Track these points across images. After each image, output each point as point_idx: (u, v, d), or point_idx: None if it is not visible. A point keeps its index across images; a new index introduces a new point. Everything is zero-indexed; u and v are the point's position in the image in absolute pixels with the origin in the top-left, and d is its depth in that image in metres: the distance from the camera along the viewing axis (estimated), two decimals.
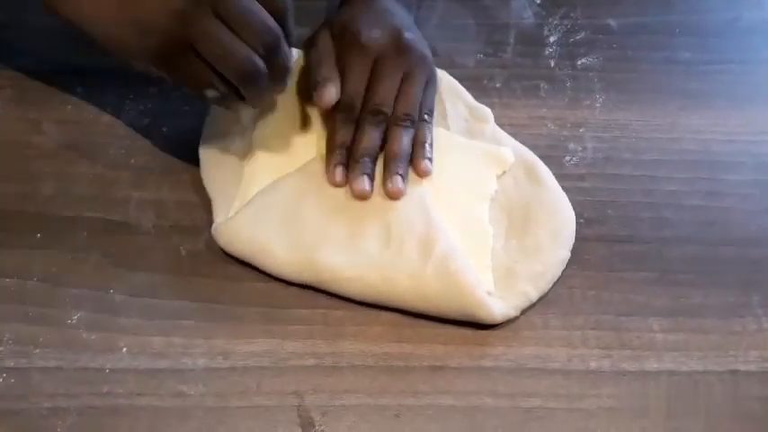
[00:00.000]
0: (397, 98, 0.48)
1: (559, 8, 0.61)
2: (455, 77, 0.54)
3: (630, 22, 0.61)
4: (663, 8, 0.62)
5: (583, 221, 0.48)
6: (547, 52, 0.58)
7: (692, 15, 0.62)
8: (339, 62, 0.48)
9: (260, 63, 0.42)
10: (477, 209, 0.47)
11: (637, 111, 0.54)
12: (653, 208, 0.49)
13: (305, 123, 0.50)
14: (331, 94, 0.46)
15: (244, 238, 0.45)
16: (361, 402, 0.40)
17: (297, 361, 0.42)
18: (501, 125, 0.52)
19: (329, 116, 0.48)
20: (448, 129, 0.51)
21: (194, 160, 0.49)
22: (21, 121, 0.52)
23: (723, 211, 0.49)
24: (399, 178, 0.46)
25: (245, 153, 0.49)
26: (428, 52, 0.50)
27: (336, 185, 0.46)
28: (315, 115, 0.50)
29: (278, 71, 0.44)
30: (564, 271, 0.45)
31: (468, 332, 0.43)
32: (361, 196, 0.46)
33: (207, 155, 0.49)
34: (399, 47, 0.48)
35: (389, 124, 0.48)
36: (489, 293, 0.43)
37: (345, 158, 0.47)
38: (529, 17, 0.61)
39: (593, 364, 0.42)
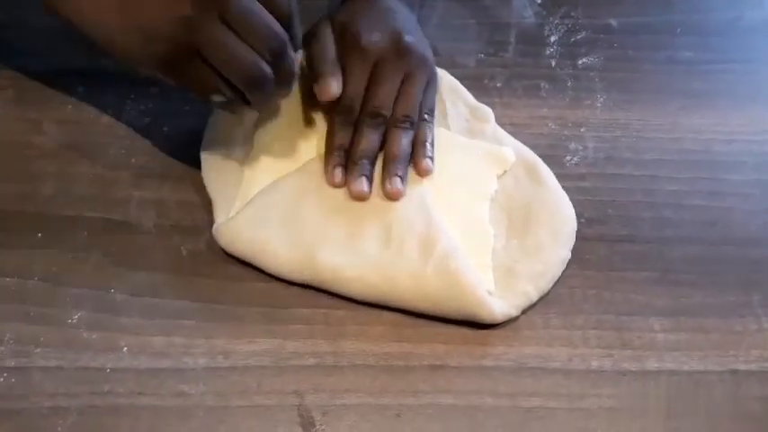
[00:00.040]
0: (396, 100, 0.48)
1: (560, 8, 0.61)
2: (456, 77, 0.54)
3: (631, 22, 0.61)
4: (664, 8, 0.62)
5: (583, 221, 0.48)
6: (548, 52, 0.58)
7: (694, 15, 0.62)
8: (339, 62, 0.48)
9: (266, 68, 0.42)
10: (478, 208, 0.47)
11: (638, 110, 0.54)
12: (654, 208, 0.49)
13: (305, 124, 0.50)
14: (333, 88, 0.46)
15: (244, 238, 0.45)
16: (361, 402, 0.40)
17: (298, 360, 0.42)
18: (502, 125, 0.52)
19: (329, 118, 0.48)
20: (448, 128, 0.51)
21: (195, 160, 0.49)
22: (21, 120, 0.52)
23: (724, 211, 0.49)
24: (398, 179, 0.46)
25: (246, 154, 0.49)
26: (429, 54, 0.50)
27: (335, 186, 0.46)
28: (315, 116, 0.50)
29: (284, 76, 0.44)
30: (565, 270, 0.45)
31: (469, 332, 0.43)
32: (359, 198, 0.46)
33: (208, 155, 0.49)
34: (399, 50, 0.48)
35: (389, 126, 0.48)
36: (490, 293, 0.43)
37: (344, 160, 0.47)
38: (530, 17, 0.61)
39: (593, 364, 0.42)
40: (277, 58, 0.43)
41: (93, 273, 0.45)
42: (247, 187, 0.47)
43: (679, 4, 0.63)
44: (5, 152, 0.50)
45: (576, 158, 0.51)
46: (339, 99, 0.48)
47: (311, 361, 0.42)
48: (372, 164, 0.47)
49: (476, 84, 0.54)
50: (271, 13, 0.42)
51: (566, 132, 0.53)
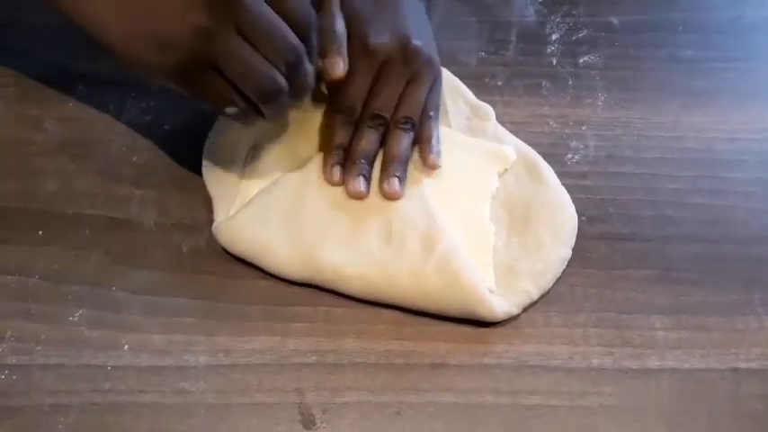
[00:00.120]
0: (399, 100, 0.48)
1: (561, 6, 0.61)
2: (457, 75, 0.54)
3: (633, 20, 0.60)
4: (665, 6, 0.62)
5: (584, 219, 0.48)
6: (549, 50, 0.58)
7: (695, 13, 0.61)
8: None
9: (281, 81, 0.42)
10: (479, 207, 0.47)
11: (639, 109, 0.54)
12: (655, 206, 0.49)
13: (306, 124, 0.50)
14: (339, 68, 0.45)
15: (245, 237, 0.45)
16: (362, 400, 0.40)
17: (298, 358, 0.42)
18: (503, 123, 0.52)
19: (330, 117, 0.48)
20: (449, 127, 0.51)
21: (196, 158, 0.49)
22: (22, 118, 0.52)
23: (725, 210, 0.49)
24: (396, 180, 0.46)
25: (247, 153, 0.49)
26: (435, 55, 0.50)
27: (333, 185, 0.46)
28: (316, 116, 0.50)
29: (299, 89, 0.44)
30: (565, 269, 0.45)
31: (470, 330, 0.43)
32: (357, 197, 0.46)
33: (209, 154, 0.49)
34: (407, 53, 0.48)
35: (389, 127, 0.48)
36: (491, 291, 0.43)
37: (343, 159, 0.47)
38: (531, 15, 0.60)
39: (594, 362, 0.42)
40: (292, 71, 0.42)
41: (94, 270, 0.45)
42: (247, 186, 0.47)
43: (680, 3, 0.62)
44: (7, 150, 0.50)
45: (577, 157, 0.51)
46: (341, 98, 0.48)
47: (312, 359, 0.42)
48: (371, 164, 0.47)
49: (477, 82, 0.54)
50: (288, 24, 0.41)
51: (567, 131, 0.53)
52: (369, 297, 0.44)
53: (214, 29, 0.39)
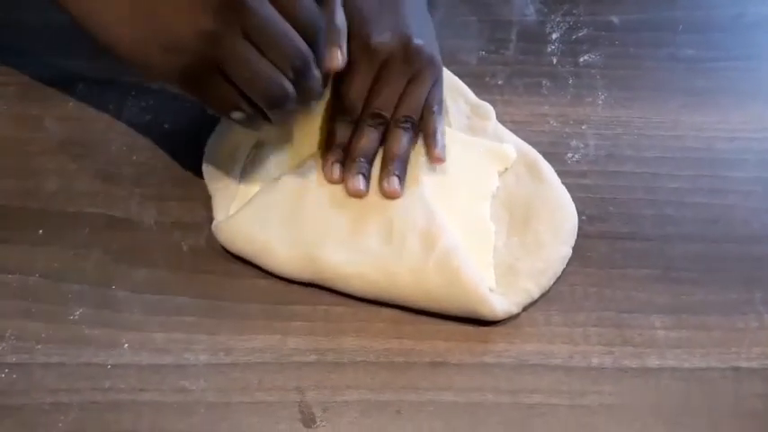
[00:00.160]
0: (400, 99, 0.48)
1: (561, 5, 0.61)
2: (457, 74, 0.54)
3: (633, 19, 0.60)
4: (666, 5, 0.62)
5: (585, 218, 0.48)
6: (549, 49, 0.58)
7: (696, 12, 0.61)
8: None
9: (288, 87, 0.41)
10: (479, 206, 0.47)
11: (639, 108, 0.54)
12: (655, 205, 0.49)
13: (307, 123, 0.50)
14: (338, 60, 0.44)
15: (244, 236, 0.45)
16: (362, 398, 0.40)
17: (298, 357, 0.42)
18: (503, 122, 0.52)
19: (330, 116, 0.48)
20: (450, 126, 0.51)
21: (196, 156, 0.49)
22: (23, 117, 0.52)
23: (726, 209, 0.49)
24: (396, 179, 0.46)
25: (248, 152, 0.49)
26: (437, 55, 0.50)
27: (332, 182, 0.46)
28: (317, 115, 0.50)
29: (306, 94, 0.43)
30: (566, 268, 0.45)
31: (470, 329, 0.43)
32: (356, 195, 0.46)
33: (210, 153, 0.49)
34: (408, 52, 0.47)
35: (390, 126, 0.48)
36: (491, 290, 0.43)
37: (342, 157, 0.47)
38: (531, 14, 0.60)
39: (594, 361, 0.42)
40: (300, 76, 0.41)
41: (94, 269, 0.45)
42: (247, 185, 0.47)
43: (681, 1, 0.62)
44: (7, 149, 0.50)
45: (577, 156, 0.51)
46: (341, 97, 0.48)
47: (312, 357, 0.42)
48: (370, 162, 0.47)
49: (477, 81, 0.54)
50: (296, 29, 0.41)
51: (567, 130, 0.53)
52: (369, 296, 0.44)
53: (221, 33, 0.39)
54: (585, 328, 0.43)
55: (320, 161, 0.48)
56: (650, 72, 0.57)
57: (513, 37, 0.59)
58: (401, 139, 0.47)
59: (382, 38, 0.47)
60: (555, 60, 0.57)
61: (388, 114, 0.47)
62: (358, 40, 0.47)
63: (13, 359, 0.41)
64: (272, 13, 0.40)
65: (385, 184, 0.46)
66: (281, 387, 0.40)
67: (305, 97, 0.43)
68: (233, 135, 0.49)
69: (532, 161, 0.49)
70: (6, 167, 0.49)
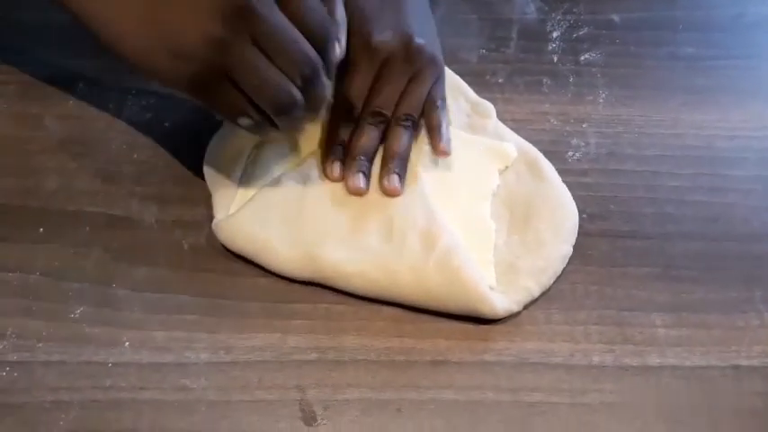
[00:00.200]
0: (401, 98, 0.48)
1: (562, 3, 0.61)
2: (458, 73, 0.54)
3: (634, 18, 0.60)
4: (666, 3, 0.62)
5: (585, 217, 0.48)
6: (550, 48, 0.58)
7: (696, 11, 0.61)
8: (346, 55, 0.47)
9: (297, 94, 0.41)
10: (480, 204, 0.47)
11: (639, 106, 0.54)
12: (656, 203, 0.49)
13: (308, 122, 0.50)
14: (335, 51, 0.44)
15: (245, 235, 0.45)
16: (363, 397, 0.40)
17: (299, 355, 0.42)
18: (503, 120, 0.52)
19: (331, 114, 0.48)
20: (450, 124, 0.51)
21: (197, 155, 0.49)
22: (23, 116, 0.52)
23: (726, 207, 0.49)
24: (396, 177, 0.46)
25: (248, 150, 0.49)
26: (438, 53, 0.50)
27: (333, 181, 0.46)
28: (319, 114, 0.50)
29: (314, 102, 0.43)
30: (566, 266, 0.45)
31: (470, 327, 0.43)
32: (356, 193, 0.46)
33: (212, 151, 0.49)
34: (409, 51, 0.47)
35: (390, 124, 0.48)
36: (491, 288, 0.43)
37: (342, 155, 0.47)
38: (532, 12, 0.60)
39: (595, 359, 0.42)
40: (308, 84, 0.41)
41: (94, 268, 0.45)
42: (247, 184, 0.47)
43: (681, 1, 0.62)
44: (7, 147, 0.50)
45: (577, 154, 0.51)
46: (342, 95, 0.47)
47: (313, 356, 0.42)
48: (370, 161, 0.47)
49: (477, 79, 0.54)
50: (305, 36, 0.40)
51: (567, 128, 0.53)
52: (369, 294, 0.44)
53: (229, 39, 0.39)
54: (586, 327, 0.43)
55: (320, 160, 0.48)
56: (651, 71, 0.57)
57: (514, 35, 0.59)
58: (402, 137, 0.47)
59: (383, 36, 0.47)
60: (556, 59, 0.57)
61: (388, 113, 0.47)
62: (359, 38, 0.47)
63: (14, 357, 0.41)
64: (281, 19, 0.40)
65: (385, 183, 0.46)
66: (282, 385, 0.41)
67: (313, 104, 0.43)
68: (236, 139, 0.49)
69: (533, 159, 0.49)
70: (6, 166, 0.49)
